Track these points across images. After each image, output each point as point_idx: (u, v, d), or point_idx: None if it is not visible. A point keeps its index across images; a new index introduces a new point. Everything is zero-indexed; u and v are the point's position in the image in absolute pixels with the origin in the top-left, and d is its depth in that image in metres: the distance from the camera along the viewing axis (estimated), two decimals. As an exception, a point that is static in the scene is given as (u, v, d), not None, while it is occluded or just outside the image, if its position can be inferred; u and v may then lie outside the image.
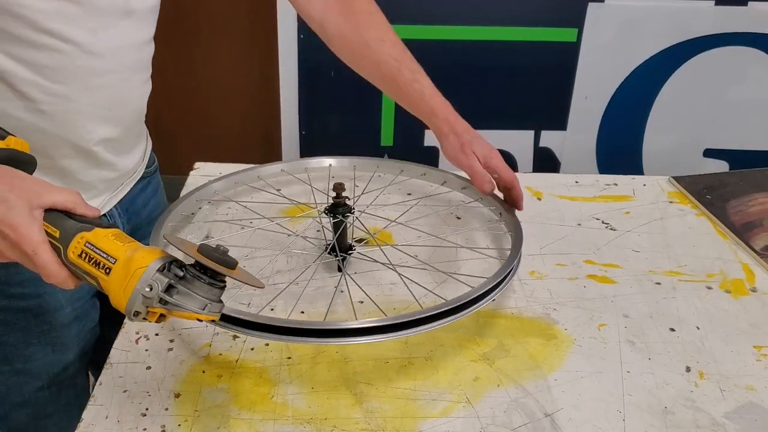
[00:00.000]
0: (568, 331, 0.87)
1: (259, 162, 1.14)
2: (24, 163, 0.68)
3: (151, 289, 0.62)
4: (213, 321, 0.65)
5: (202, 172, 1.14)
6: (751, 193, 1.15)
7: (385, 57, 0.98)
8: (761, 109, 1.77)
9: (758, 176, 1.20)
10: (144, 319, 0.63)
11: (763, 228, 1.07)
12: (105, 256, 0.63)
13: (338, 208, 0.93)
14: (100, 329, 0.96)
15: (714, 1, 1.63)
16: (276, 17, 1.62)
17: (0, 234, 0.61)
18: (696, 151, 1.82)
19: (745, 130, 1.80)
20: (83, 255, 0.63)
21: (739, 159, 1.81)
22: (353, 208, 0.95)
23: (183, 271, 0.63)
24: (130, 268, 0.62)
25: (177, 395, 0.77)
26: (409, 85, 0.97)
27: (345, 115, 1.74)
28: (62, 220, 0.64)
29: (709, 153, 1.83)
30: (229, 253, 0.64)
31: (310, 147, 1.74)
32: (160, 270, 0.62)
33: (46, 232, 0.63)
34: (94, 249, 0.63)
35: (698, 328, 0.89)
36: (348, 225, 0.95)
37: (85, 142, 0.82)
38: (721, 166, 1.82)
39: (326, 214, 0.94)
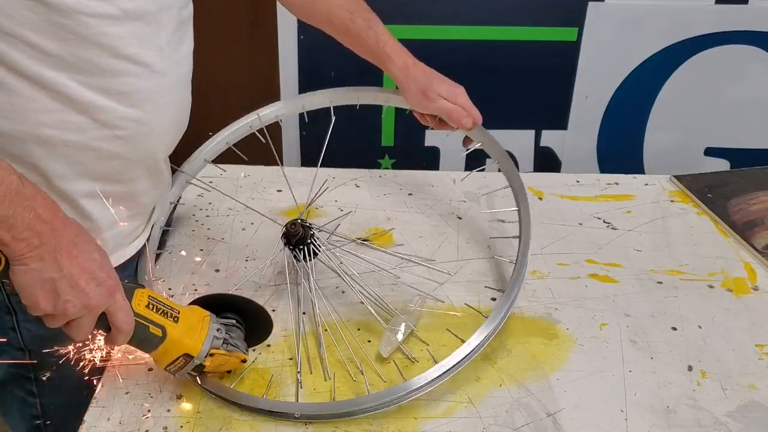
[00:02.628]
0: (570, 331, 0.87)
1: (260, 163, 1.15)
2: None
3: (219, 332, 0.74)
4: (244, 361, 0.77)
5: (203, 174, 1.13)
6: (752, 192, 1.15)
7: (335, 10, 0.97)
8: (762, 107, 1.77)
9: (759, 175, 1.20)
10: (198, 369, 0.74)
11: (764, 226, 1.07)
12: (168, 307, 0.72)
13: (294, 239, 0.87)
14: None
15: (714, 0, 1.63)
16: (276, 18, 1.62)
17: (96, 281, 0.65)
18: (697, 149, 1.82)
19: (746, 128, 1.79)
20: (150, 306, 0.71)
21: (740, 157, 1.81)
22: (310, 234, 0.88)
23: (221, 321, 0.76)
24: (197, 315, 0.74)
25: (179, 397, 0.77)
26: (364, 33, 0.97)
27: (345, 115, 1.74)
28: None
29: (710, 152, 1.82)
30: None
31: (310, 148, 1.73)
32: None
33: None
34: (158, 301, 0.71)
35: (700, 327, 0.88)
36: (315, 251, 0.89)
37: (155, 161, 0.82)
38: (722, 165, 1.82)
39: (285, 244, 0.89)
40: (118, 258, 0.83)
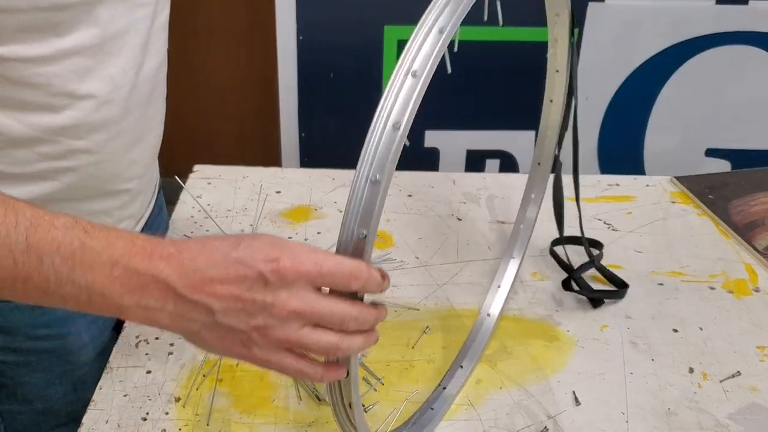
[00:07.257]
0: (571, 333, 0.87)
1: (259, 164, 1.14)
2: None
3: None
4: None
5: (201, 175, 1.13)
6: (753, 193, 1.14)
7: None
8: (763, 108, 1.76)
9: (760, 176, 1.19)
10: None
11: (765, 227, 1.06)
12: None
13: None
14: None
15: (714, 0, 1.63)
16: (274, 18, 1.62)
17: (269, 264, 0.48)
18: (698, 150, 1.82)
19: (747, 129, 1.79)
20: None
21: (741, 158, 1.80)
22: None
23: None
24: None
25: (177, 399, 0.76)
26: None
27: (344, 116, 1.74)
28: None
29: (711, 153, 1.82)
30: None
31: (309, 149, 1.73)
32: None
33: None
34: None
35: (701, 329, 0.88)
36: None
37: (112, 185, 0.77)
38: (724, 166, 1.81)
39: None
40: None
